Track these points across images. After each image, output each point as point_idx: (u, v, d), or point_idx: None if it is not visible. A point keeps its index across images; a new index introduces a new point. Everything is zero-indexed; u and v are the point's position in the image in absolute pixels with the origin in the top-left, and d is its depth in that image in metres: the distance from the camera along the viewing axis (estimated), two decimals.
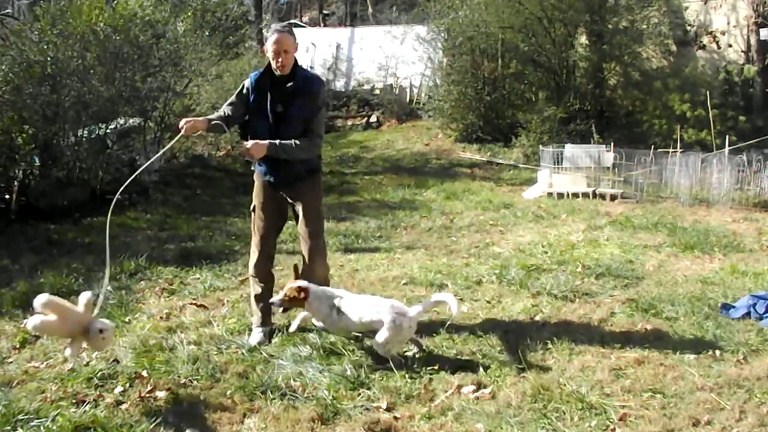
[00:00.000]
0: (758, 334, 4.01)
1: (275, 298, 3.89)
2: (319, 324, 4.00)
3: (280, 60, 3.85)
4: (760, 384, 3.35)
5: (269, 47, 3.87)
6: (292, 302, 3.80)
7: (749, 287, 4.95)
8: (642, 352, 3.79)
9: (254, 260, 4.28)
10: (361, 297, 3.98)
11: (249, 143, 3.89)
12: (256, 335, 4.11)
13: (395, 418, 3.17)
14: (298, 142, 3.93)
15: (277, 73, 3.91)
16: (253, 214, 4.39)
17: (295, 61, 3.95)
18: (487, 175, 11.67)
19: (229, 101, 4.08)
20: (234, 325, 4.37)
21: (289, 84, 3.92)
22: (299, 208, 4.14)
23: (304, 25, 25.19)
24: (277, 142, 3.89)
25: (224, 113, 4.04)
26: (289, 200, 4.20)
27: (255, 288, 4.26)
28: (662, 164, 9.53)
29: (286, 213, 4.35)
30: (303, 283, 3.82)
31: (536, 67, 14.27)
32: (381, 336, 3.63)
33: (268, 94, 3.94)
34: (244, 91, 4.03)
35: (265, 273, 4.26)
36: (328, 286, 4.14)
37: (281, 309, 3.94)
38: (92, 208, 8.53)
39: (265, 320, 4.20)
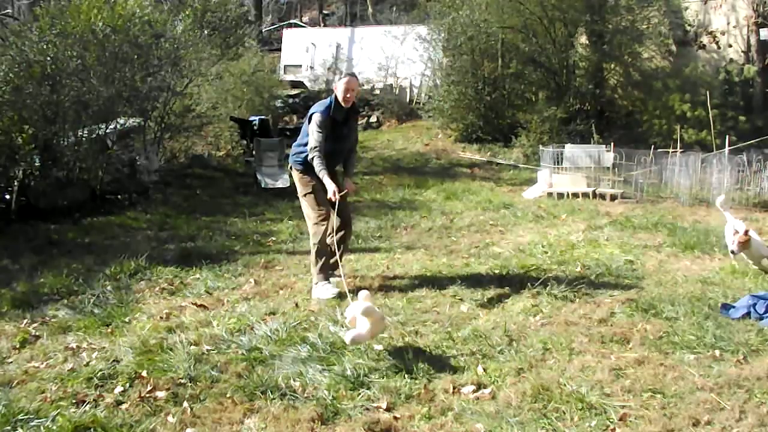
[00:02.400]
0: (758, 334, 4.01)
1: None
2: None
3: (348, 96, 4.91)
4: (760, 384, 3.35)
5: (342, 88, 4.92)
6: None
7: (749, 287, 4.95)
8: (642, 352, 3.79)
9: None
10: None
11: (351, 187, 5.18)
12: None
13: (395, 418, 3.17)
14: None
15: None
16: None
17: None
18: (487, 175, 11.66)
19: (319, 138, 4.88)
20: (234, 325, 4.37)
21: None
22: None
23: (304, 25, 25.18)
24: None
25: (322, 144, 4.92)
26: None
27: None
28: (662, 164, 9.53)
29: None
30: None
31: (536, 67, 14.25)
32: None
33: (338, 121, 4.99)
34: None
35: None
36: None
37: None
38: (92, 208, 8.53)
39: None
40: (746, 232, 5.11)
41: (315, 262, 5.05)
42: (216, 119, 13.25)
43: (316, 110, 4.94)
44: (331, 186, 4.83)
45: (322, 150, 4.85)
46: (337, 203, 4.92)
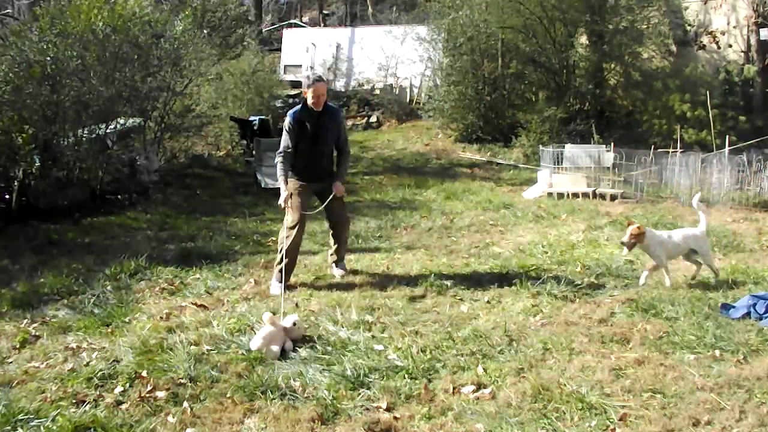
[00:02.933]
0: (758, 334, 4.01)
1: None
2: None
3: (316, 101, 5.09)
4: (760, 384, 3.35)
5: (310, 93, 5.10)
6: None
7: (749, 287, 4.95)
8: (642, 352, 3.79)
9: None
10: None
11: (337, 189, 5.25)
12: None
13: (395, 418, 3.17)
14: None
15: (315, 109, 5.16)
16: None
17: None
18: (487, 175, 11.66)
19: (286, 142, 5.24)
20: (234, 325, 4.36)
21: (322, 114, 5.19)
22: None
23: (304, 25, 25.18)
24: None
25: (289, 150, 5.25)
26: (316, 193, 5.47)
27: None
28: (662, 164, 9.54)
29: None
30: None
31: (536, 67, 14.27)
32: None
33: (308, 124, 5.19)
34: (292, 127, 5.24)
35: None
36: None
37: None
38: (92, 208, 8.53)
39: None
40: (640, 227, 4.97)
41: (277, 261, 5.28)
42: (216, 119, 13.26)
43: (288, 115, 5.27)
44: (283, 193, 5.11)
45: (287, 155, 5.22)
46: (332, 203, 5.25)
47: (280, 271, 5.18)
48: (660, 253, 5.04)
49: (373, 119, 16.96)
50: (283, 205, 5.12)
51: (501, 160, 12.75)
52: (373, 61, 17.73)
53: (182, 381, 3.57)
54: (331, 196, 5.24)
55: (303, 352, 3.89)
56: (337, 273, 5.51)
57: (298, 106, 5.26)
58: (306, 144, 5.21)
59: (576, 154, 10.34)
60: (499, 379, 3.51)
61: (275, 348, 3.91)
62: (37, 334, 4.43)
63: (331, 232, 5.56)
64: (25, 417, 3.22)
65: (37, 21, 8.88)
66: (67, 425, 3.12)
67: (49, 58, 8.28)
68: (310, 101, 5.14)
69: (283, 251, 5.20)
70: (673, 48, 14.86)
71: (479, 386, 3.44)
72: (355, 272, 5.63)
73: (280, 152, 5.25)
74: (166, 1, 13.10)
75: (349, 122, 17.35)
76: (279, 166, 5.23)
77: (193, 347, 4.01)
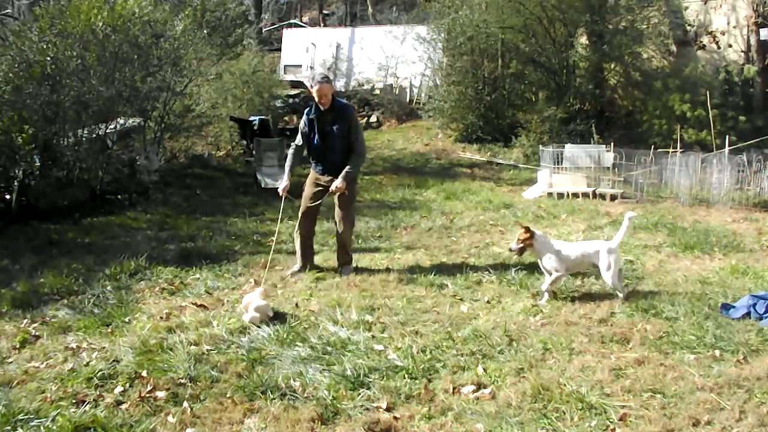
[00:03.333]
0: (758, 334, 4.01)
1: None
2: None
3: (322, 101, 5.38)
4: (760, 384, 3.35)
5: (314, 93, 5.38)
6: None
7: (749, 287, 4.95)
8: (642, 352, 3.79)
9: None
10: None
11: (334, 186, 5.42)
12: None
13: (395, 418, 3.17)
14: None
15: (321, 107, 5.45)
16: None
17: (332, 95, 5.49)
18: (487, 175, 11.66)
19: (299, 137, 5.69)
20: (234, 325, 4.36)
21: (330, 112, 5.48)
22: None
23: (304, 25, 25.18)
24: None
25: (299, 144, 5.68)
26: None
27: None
28: (662, 164, 9.54)
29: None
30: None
31: (536, 67, 14.27)
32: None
33: (317, 121, 5.51)
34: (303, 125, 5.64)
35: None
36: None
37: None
38: (92, 208, 8.53)
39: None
40: (527, 230, 4.82)
41: (296, 248, 5.76)
42: (216, 119, 13.26)
43: (304, 113, 5.68)
44: (283, 182, 5.53)
45: (296, 149, 5.66)
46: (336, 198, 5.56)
47: (297, 251, 5.68)
48: (553, 262, 4.75)
49: (373, 119, 16.95)
50: (281, 193, 5.47)
51: (501, 160, 12.75)
52: (373, 61, 17.73)
53: (182, 381, 3.58)
54: (327, 193, 5.52)
55: (303, 352, 3.89)
56: (343, 274, 5.56)
57: (312, 105, 5.61)
58: (316, 140, 5.55)
59: (576, 154, 10.34)
60: (499, 379, 3.52)
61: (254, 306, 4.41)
62: (37, 334, 4.43)
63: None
64: (25, 417, 3.22)
65: (37, 21, 8.87)
66: (67, 425, 3.12)
67: (49, 58, 8.27)
68: (316, 101, 5.43)
69: (297, 240, 5.69)
70: (673, 48, 14.86)
71: (479, 386, 3.45)
72: (355, 272, 5.63)
73: (292, 144, 5.76)
74: (166, 1, 13.08)
75: None
76: (288, 157, 5.72)
77: (193, 347, 4.01)
